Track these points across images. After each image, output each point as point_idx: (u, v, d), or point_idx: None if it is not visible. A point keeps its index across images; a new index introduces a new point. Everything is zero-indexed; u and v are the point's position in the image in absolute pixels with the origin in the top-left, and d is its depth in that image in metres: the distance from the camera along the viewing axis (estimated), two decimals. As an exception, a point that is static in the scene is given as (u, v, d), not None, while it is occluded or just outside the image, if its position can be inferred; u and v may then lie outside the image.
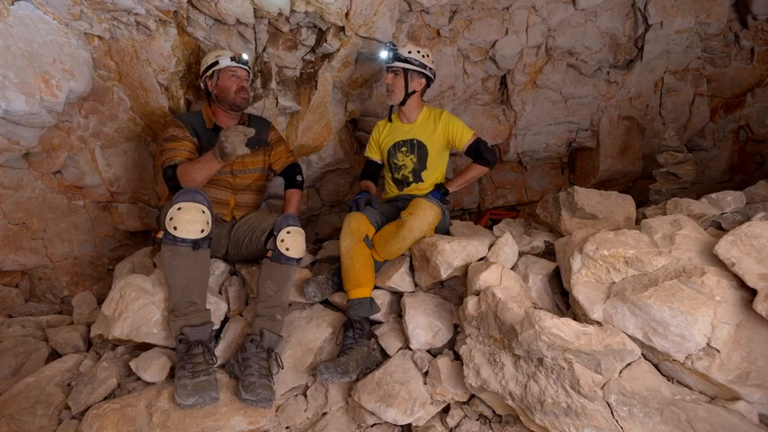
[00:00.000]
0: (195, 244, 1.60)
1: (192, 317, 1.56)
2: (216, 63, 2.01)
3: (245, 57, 2.06)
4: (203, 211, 1.63)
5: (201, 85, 2.10)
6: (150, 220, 2.54)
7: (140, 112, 2.29)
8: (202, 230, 1.62)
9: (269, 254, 1.77)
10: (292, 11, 2.16)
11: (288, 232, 1.77)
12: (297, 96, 2.57)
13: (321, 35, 2.38)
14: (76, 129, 2.19)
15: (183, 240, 1.58)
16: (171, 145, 1.89)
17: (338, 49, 2.41)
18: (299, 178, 2.26)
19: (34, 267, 2.32)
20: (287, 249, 1.75)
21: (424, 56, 2.16)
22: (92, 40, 1.99)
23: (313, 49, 2.46)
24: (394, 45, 2.20)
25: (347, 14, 2.24)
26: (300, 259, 1.82)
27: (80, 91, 1.97)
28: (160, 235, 1.62)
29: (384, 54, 2.20)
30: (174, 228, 1.57)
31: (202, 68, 2.07)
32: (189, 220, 1.58)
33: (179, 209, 1.59)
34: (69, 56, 1.88)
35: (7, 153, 1.98)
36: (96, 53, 2.03)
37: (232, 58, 2.02)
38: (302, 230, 1.82)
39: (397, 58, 2.15)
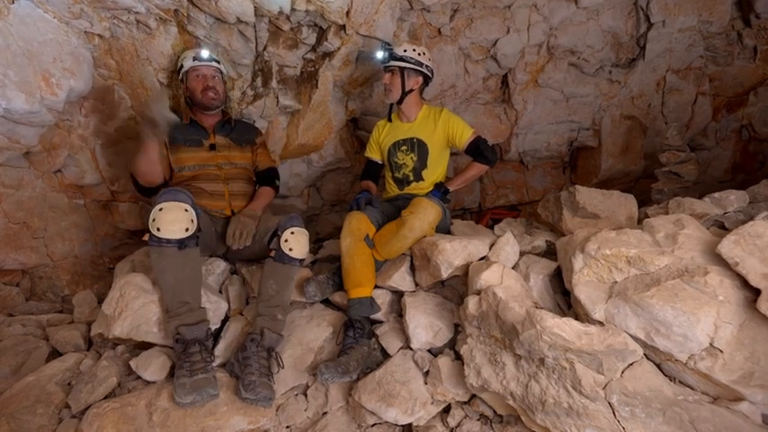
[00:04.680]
0: (181, 244, 1.58)
1: (186, 316, 1.56)
2: (182, 66, 2.05)
3: (203, 54, 2.03)
4: (186, 210, 1.60)
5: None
6: (151, 219, 2.54)
7: (141, 111, 2.29)
8: (186, 229, 1.58)
9: (272, 253, 1.78)
10: (293, 9, 2.16)
11: (292, 233, 1.77)
12: (297, 95, 2.57)
13: (322, 34, 2.38)
14: (77, 127, 2.18)
15: (168, 241, 1.56)
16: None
17: (339, 48, 2.40)
18: (276, 182, 2.21)
19: (35, 266, 2.32)
20: (290, 250, 1.75)
21: (419, 54, 2.16)
22: (92, 38, 1.98)
23: (314, 48, 2.46)
24: (389, 45, 2.21)
25: (348, 13, 2.23)
26: (303, 260, 1.82)
27: (80, 90, 1.96)
28: (146, 238, 1.60)
29: (380, 54, 2.22)
30: (158, 229, 1.55)
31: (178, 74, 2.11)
32: (171, 220, 1.56)
33: (161, 209, 1.57)
34: (69, 54, 1.87)
35: (8, 152, 1.98)
36: (96, 52, 2.02)
37: (194, 58, 2.02)
38: (306, 231, 1.83)
39: (392, 57, 2.16)
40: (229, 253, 2.02)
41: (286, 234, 1.77)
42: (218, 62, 2.10)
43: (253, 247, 1.91)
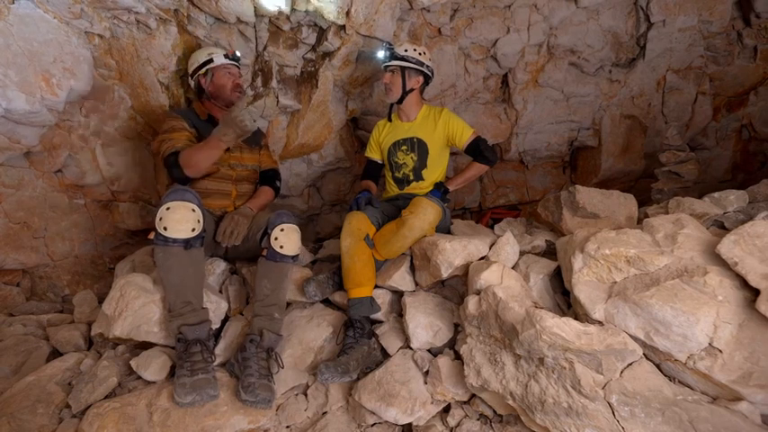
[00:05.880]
0: (187, 243, 1.58)
1: (189, 316, 1.56)
2: (210, 61, 2.02)
3: (238, 54, 2.08)
4: (193, 210, 1.60)
5: (192, 83, 2.11)
6: (151, 218, 2.53)
7: (141, 111, 2.29)
8: (193, 229, 1.59)
9: (264, 252, 1.77)
10: (293, 9, 2.16)
11: (281, 230, 1.76)
12: (298, 95, 2.57)
13: (322, 34, 2.38)
14: (77, 127, 2.19)
15: (174, 240, 1.56)
16: (170, 135, 1.87)
17: (339, 48, 2.40)
18: (277, 183, 2.23)
19: (35, 266, 2.32)
20: (281, 247, 1.74)
21: (420, 53, 2.17)
22: (92, 38, 1.99)
23: (314, 48, 2.46)
24: (390, 44, 2.22)
25: (348, 13, 2.23)
26: (296, 256, 1.81)
27: (81, 90, 1.97)
28: (152, 236, 1.59)
29: (381, 54, 2.22)
30: (165, 228, 1.55)
31: (194, 66, 2.07)
32: (178, 220, 1.56)
33: (168, 209, 1.57)
34: (70, 54, 1.87)
35: (8, 152, 1.98)
36: (97, 52, 2.03)
37: (225, 56, 2.03)
38: (297, 227, 1.81)
39: (393, 56, 2.16)
40: (228, 252, 2.03)
41: (275, 232, 1.75)
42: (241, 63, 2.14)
43: (247, 245, 1.91)
